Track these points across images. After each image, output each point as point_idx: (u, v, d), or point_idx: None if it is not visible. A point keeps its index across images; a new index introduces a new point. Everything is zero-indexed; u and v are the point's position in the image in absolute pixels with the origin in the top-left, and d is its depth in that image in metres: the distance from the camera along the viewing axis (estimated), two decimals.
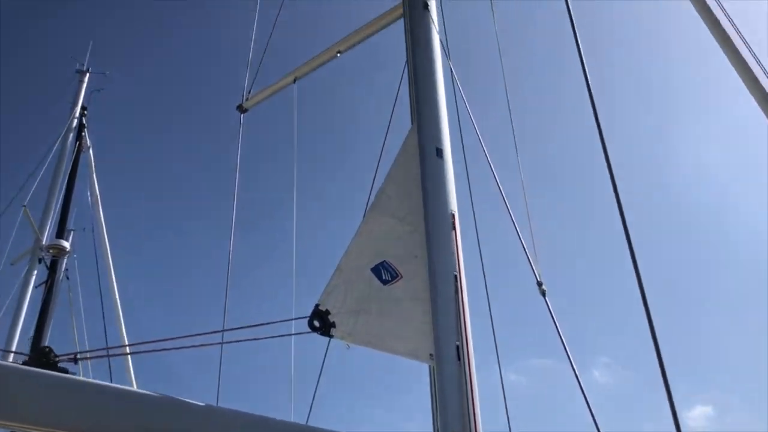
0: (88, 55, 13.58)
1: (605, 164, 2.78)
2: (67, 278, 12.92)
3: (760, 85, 3.85)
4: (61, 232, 11.78)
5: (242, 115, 5.76)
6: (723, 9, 3.76)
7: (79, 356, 2.54)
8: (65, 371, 2.46)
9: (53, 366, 2.41)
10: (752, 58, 3.70)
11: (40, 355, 2.39)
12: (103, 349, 2.63)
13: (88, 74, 13.28)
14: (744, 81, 3.84)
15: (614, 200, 2.65)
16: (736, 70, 3.86)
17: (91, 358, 3.04)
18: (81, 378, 2.41)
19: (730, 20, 3.53)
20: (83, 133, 12.82)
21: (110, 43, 20.19)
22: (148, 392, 2.46)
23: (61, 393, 2.26)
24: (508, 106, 5.00)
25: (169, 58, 23.28)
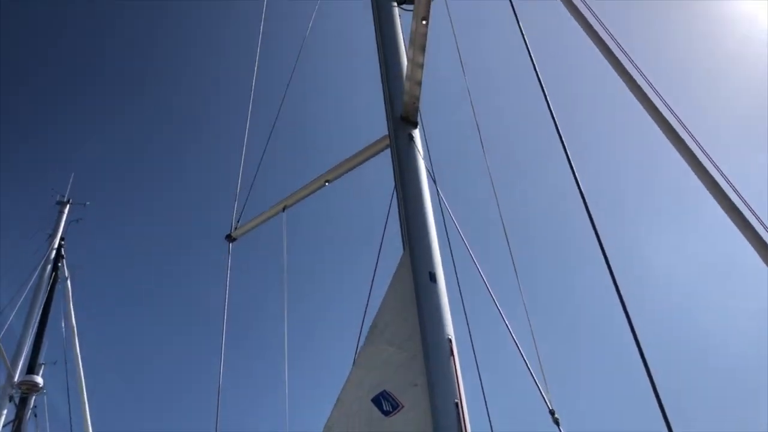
0: (69, 187, 13.74)
1: (611, 281, 2.80)
2: (35, 416, 12.33)
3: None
4: (32, 367, 11.39)
5: (231, 244, 5.80)
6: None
7: None
8: None
9: None
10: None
11: None
12: None
13: (68, 205, 13.37)
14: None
15: (625, 320, 2.65)
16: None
17: None
18: None
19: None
20: (60, 264, 12.72)
21: (91, 174, 20.49)
22: None
23: None
24: (505, 232, 5.10)
25: (153, 185, 23.60)
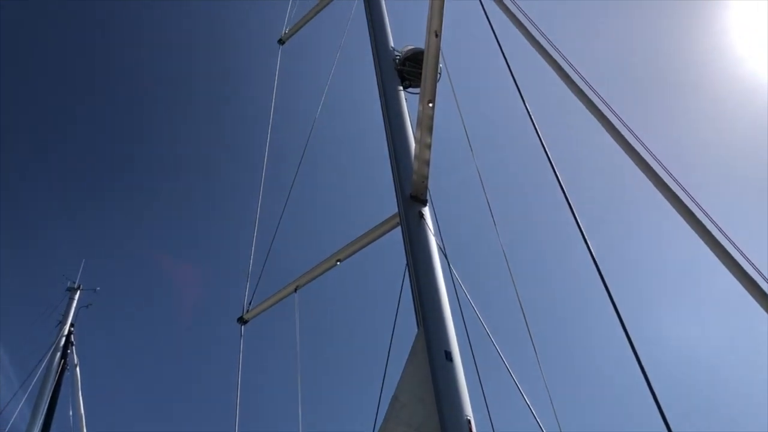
0: (80, 272, 13.81)
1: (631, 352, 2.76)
2: None
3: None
4: None
5: (243, 327, 5.78)
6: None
7: None
8: None
9: None
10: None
11: None
12: None
13: (78, 291, 13.39)
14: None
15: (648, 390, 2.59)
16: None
17: None
18: None
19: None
20: (69, 351, 12.62)
21: (102, 259, 20.60)
22: None
23: None
24: (521, 306, 5.05)
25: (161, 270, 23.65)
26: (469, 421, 3.59)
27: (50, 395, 11.51)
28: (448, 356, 3.88)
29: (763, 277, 2.71)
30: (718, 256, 2.89)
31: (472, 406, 3.74)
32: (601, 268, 3.22)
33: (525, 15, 3.84)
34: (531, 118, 3.96)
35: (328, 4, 7.72)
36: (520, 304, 5.05)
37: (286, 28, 8.44)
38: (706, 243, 2.93)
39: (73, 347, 12.39)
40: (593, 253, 3.30)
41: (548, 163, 3.82)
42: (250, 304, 5.81)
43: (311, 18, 7.97)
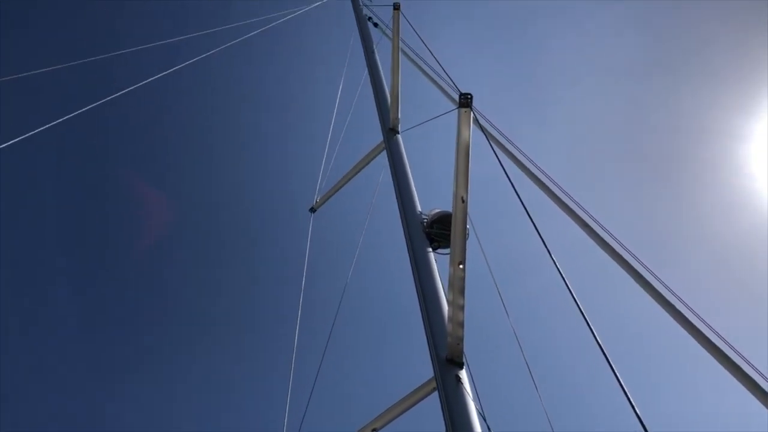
0: None
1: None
2: None
3: None
4: None
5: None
6: None
7: None
8: None
9: None
10: None
11: None
12: None
13: None
14: None
15: None
16: None
17: None
18: None
19: None
20: None
21: None
22: None
23: None
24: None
25: None
26: None
27: None
28: None
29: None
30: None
31: None
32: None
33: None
34: (562, 277, 4.00)
35: (358, 173, 8.16)
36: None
37: (317, 196, 8.89)
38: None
39: None
40: (637, 411, 3.19)
41: (582, 318, 3.81)
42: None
43: (341, 187, 8.40)
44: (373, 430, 5.23)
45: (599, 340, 3.61)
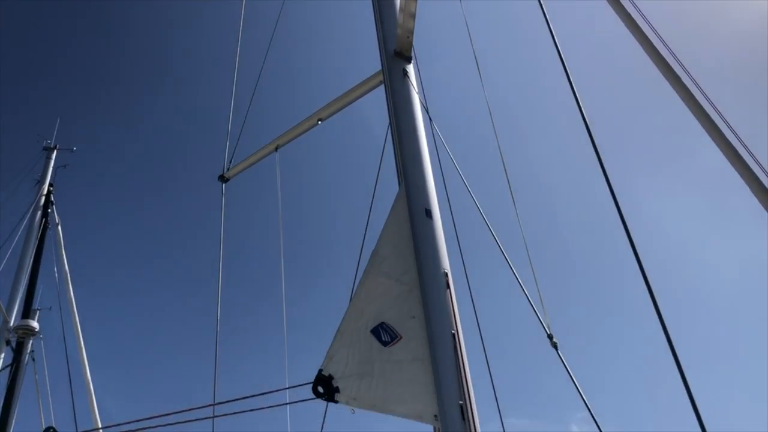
0: (55, 132, 13.54)
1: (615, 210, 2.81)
2: (33, 360, 12.51)
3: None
4: (26, 312, 11.47)
5: (224, 185, 5.78)
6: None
7: None
8: None
9: None
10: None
11: None
12: (113, 425, 2.51)
13: (55, 151, 13.20)
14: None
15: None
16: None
17: None
18: None
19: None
20: (50, 210, 12.64)
21: (78, 118, 20.16)
22: None
23: None
24: (502, 160, 5.07)
25: (141, 129, 23.28)
26: (446, 274, 3.73)
27: (34, 252, 11.66)
28: (428, 213, 3.96)
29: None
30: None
31: (450, 262, 3.87)
32: (593, 132, 3.21)
33: None
34: None
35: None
36: (504, 165, 5.10)
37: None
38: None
39: (54, 206, 12.40)
40: (586, 118, 3.28)
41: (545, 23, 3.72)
42: (230, 162, 5.79)
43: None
44: (318, 120, 5.36)
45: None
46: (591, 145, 3.07)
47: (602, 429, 3.22)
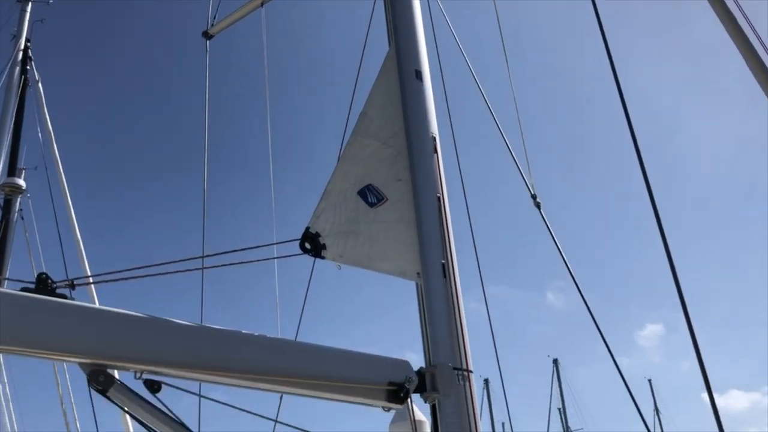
0: None
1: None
2: (22, 219, 12.67)
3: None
4: (12, 171, 11.44)
5: (208, 42, 5.58)
6: None
7: (76, 282, 2.53)
8: (64, 297, 2.46)
9: (52, 292, 2.41)
10: None
11: (39, 282, 2.39)
12: (105, 273, 2.60)
13: (30, 2, 12.58)
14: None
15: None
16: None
17: (91, 283, 3.03)
18: (88, 304, 2.42)
19: None
20: (29, 67, 12.25)
21: None
22: (154, 316, 2.50)
23: (70, 319, 2.29)
24: (497, 14, 4.88)
25: None
26: (434, 138, 3.74)
27: (15, 110, 11.44)
28: (418, 75, 3.89)
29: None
30: None
31: (439, 126, 3.86)
32: None
33: None
34: None
35: None
36: (499, 28, 4.94)
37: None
38: None
39: (32, 62, 11.99)
40: None
41: None
42: (214, 18, 5.55)
43: None
44: None
45: None
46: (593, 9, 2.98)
47: (580, 287, 3.38)
